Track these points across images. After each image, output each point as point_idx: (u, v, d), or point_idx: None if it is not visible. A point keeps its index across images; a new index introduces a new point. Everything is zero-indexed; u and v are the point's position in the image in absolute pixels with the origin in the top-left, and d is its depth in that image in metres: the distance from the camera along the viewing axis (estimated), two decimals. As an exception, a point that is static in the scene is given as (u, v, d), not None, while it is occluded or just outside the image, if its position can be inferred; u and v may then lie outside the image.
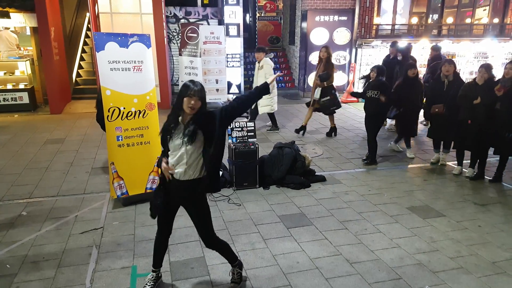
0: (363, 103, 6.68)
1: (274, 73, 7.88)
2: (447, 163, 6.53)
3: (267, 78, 7.75)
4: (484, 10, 13.17)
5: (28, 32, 11.12)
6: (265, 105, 8.24)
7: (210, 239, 3.27)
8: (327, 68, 7.85)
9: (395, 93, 6.59)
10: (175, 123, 2.99)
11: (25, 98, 9.98)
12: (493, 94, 5.37)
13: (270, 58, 8.59)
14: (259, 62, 8.10)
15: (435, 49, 8.78)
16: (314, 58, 12.28)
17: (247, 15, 16.48)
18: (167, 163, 3.03)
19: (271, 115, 8.60)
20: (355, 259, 3.84)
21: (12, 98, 9.91)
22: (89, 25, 12.69)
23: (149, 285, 3.37)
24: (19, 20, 10.21)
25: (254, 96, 3.18)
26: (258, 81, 8.06)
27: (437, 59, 8.58)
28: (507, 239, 4.25)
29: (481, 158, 5.85)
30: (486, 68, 5.49)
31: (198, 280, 3.51)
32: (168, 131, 3.00)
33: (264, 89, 3.16)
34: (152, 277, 3.41)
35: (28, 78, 10.28)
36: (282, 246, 4.06)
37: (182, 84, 2.97)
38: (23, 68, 10.24)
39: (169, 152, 3.06)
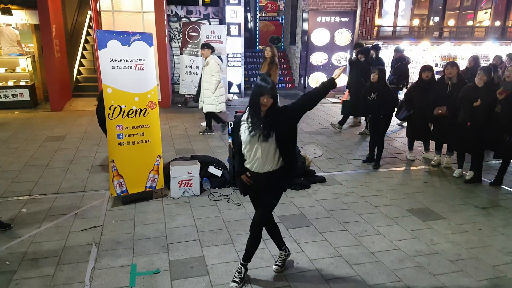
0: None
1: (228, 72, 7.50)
2: (451, 165, 6.51)
3: (212, 75, 7.45)
4: (486, 12, 13.19)
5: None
6: (209, 103, 7.78)
7: (267, 217, 3.48)
8: (270, 68, 7.82)
9: (407, 94, 6.58)
10: (256, 118, 3.14)
11: (26, 95, 9.97)
12: (492, 96, 5.37)
13: (219, 57, 8.31)
14: (205, 59, 7.68)
15: (398, 51, 8.82)
16: (315, 58, 12.30)
17: (248, 15, 16.48)
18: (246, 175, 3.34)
19: (208, 115, 8.06)
20: (355, 260, 3.84)
21: (12, 95, 9.89)
22: (90, 23, 12.67)
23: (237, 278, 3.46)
24: (21, 17, 10.18)
25: (321, 91, 3.24)
26: (203, 79, 7.74)
27: (400, 61, 8.72)
28: (507, 242, 4.24)
29: (477, 161, 5.83)
30: (485, 70, 5.48)
31: (198, 280, 3.51)
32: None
33: (330, 83, 3.22)
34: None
35: (29, 75, 10.26)
36: (282, 246, 4.05)
37: (255, 83, 3.15)
38: (24, 65, 10.23)
39: (243, 148, 3.26)
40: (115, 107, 4.64)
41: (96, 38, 4.58)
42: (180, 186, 5.14)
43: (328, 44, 12.27)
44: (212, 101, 7.78)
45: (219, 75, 7.66)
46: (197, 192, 5.22)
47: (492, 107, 5.40)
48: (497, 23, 13.16)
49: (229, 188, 5.47)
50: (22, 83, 10.04)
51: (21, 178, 5.73)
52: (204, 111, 7.95)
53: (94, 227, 4.40)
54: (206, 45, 7.80)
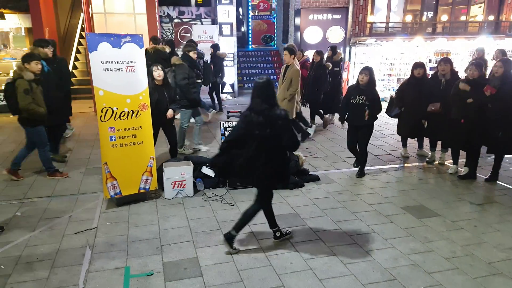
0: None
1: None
2: (445, 162, 6.52)
3: None
4: (479, 7, 13.20)
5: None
6: None
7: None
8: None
9: (399, 91, 6.51)
10: None
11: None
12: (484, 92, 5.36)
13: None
14: None
15: (318, 53, 8.50)
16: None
17: (241, 14, 16.48)
18: None
19: None
20: (349, 259, 3.83)
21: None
22: (83, 26, 12.64)
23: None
24: (14, 21, 10.16)
25: None
26: None
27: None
28: (503, 239, 4.23)
29: (473, 158, 5.82)
30: (477, 66, 5.47)
31: (191, 281, 3.49)
32: None
33: None
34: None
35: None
36: (275, 246, 4.04)
37: None
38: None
39: None
40: (107, 109, 4.62)
41: (87, 41, 4.55)
42: (173, 187, 5.13)
43: (320, 42, 12.27)
44: None
45: None
46: (191, 193, 5.21)
47: (484, 103, 5.39)
48: (491, 18, 13.19)
49: (223, 188, 5.46)
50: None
51: (16, 182, 5.69)
52: None
53: (88, 229, 4.38)
54: None
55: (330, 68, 8.37)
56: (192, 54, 6.97)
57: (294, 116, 7.25)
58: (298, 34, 12.30)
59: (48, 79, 5.88)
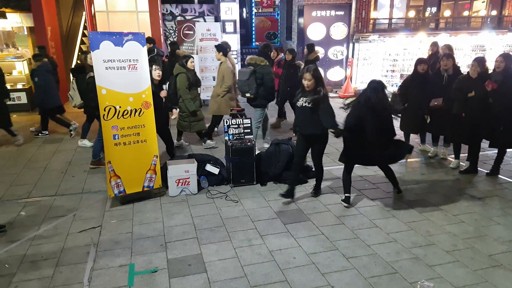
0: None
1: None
2: (447, 157, 6.52)
3: None
4: (483, 2, 13.15)
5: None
6: None
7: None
8: None
9: (402, 88, 6.51)
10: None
11: (23, 98, 9.98)
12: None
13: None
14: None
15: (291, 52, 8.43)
16: (311, 53, 12.29)
17: (244, 11, 16.45)
18: None
19: None
20: (352, 254, 3.86)
21: (10, 98, 9.87)
22: (86, 24, 12.69)
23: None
24: (16, 20, 10.19)
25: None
26: None
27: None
28: (503, 232, 4.26)
29: (474, 152, 5.83)
30: (479, 62, 5.47)
31: (195, 277, 3.53)
32: None
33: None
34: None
35: (26, 78, 10.26)
36: (279, 242, 4.08)
37: None
38: (21, 68, 10.23)
39: None
40: (110, 108, 4.65)
41: (89, 40, 4.59)
42: (177, 185, 5.16)
43: (324, 39, 12.27)
44: None
45: None
46: (195, 190, 5.24)
47: (486, 97, 5.40)
48: (494, 13, 13.13)
49: (227, 185, 5.49)
50: (19, 86, 10.04)
51: (20, 181, 5.76)
52: None
53: (92, 228, 4.42)
54: None
55: (302, 67, 8.31)
56: (272, 55, 6.90)
57: (229, 113, 6.97)
58: (302, 30, 12.29)
59: None
